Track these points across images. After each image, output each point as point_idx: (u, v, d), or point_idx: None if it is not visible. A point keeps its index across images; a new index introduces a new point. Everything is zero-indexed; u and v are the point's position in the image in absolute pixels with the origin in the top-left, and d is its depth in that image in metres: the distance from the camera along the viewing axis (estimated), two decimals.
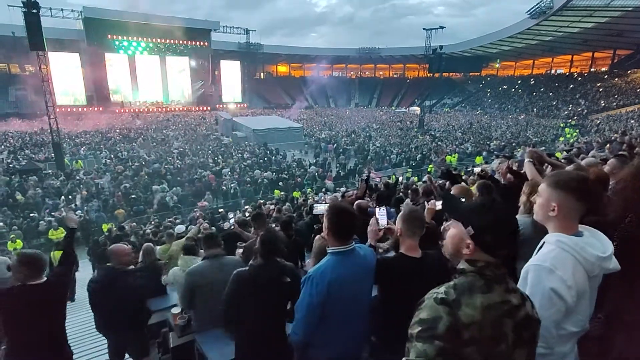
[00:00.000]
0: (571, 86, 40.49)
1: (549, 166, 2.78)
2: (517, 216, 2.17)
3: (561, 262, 1.28)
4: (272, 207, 9.01)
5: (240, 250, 4.24)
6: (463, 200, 2.84)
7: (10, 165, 18.12)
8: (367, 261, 1.94)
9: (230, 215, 9.98)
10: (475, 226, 1.13)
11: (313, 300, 1.80)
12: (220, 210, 10.77)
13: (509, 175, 3.11)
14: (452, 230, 1.25)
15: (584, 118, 31.35)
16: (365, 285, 1.94)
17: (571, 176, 1.39)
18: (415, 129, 31.97)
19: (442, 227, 1.30)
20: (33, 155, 20.60)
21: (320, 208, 2.67)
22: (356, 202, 3.98)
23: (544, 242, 1.41)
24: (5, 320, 2.41)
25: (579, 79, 41.58)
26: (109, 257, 3.28)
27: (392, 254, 2.33)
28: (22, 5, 16.20)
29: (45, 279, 2.52)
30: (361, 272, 1.90)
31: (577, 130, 26.82)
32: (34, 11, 16.24)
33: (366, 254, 1.96)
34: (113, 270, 3.18)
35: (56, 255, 8.41)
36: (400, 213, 2.04)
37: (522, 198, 2.20)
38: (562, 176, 1.41)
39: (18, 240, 10.24)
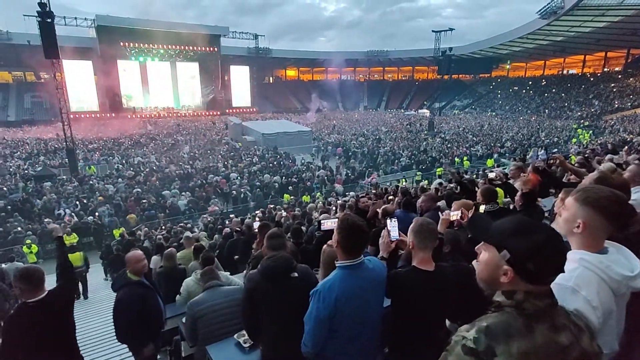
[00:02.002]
0: (584, 87, 39.86)
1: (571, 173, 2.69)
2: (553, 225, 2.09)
3: (585, 282, 1.22)
4: (282, 213, 9.00)
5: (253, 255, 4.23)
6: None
7: (26, 171, 18.50)
8: (376, 274, 1.91)
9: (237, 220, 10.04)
10: (513, 251, 0.98)
11: (320, 314, 1.79)
12: (231, 215, 10.83)
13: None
14: (484, 255, 1.09)
15: (598, 119, 30.81)
16: (374, 298, 1.91)
17: (602, 194, 1.30)
18: (425, 132, 31.76)
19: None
20: (48, 162, 20.98)
21: (328, 224, 2.61)
22: (382, 207, 3.95)
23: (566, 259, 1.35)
24: (18, 343, 2.43)
25: (592, 79, 40.90)
26: (124, 263, 3.34)
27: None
28: (37, 14, 16.58)
29: (46, 293, 2.53)
30: (370, 285, 1.87)
31: (591, 132, 26.35)
32: (49, 20, 16.61)
33: (375, 267, 1.93)
34: (124, 278, 3.22)
35: (71, 259, 8.59)
36: (411, 225, 1.99)
37: (558, 204, 2.13)
38: (592, 193, 1.32)
39: (33, 245, 10.41)
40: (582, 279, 1.23)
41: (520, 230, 1.00)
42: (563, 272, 0.99)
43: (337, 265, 1.89)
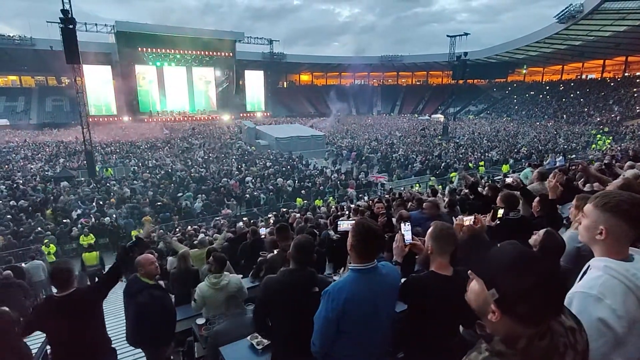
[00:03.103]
0: (603, 92, 38.95)
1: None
2: (571, 231, 2.05)
3: (610, 290, 1.18)
4: (297, 215, 9.02)
5: (260, 259, 4.25)
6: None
7: (47, 173, 19.00)
8: (389, 279, 1.91)
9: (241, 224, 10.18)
10: (502, 291, 0.86)
11: (329, 315, 1.81)
12: (244, 218, 10.93)
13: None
14: (474, 285, 0.98)
15: (618, 124, 30.04)
16: (385, 303, 1.91)
17: (621, 199, 1.26)
18: (439, 137, 31.48)
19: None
20: (67, 164, 21.51)
21: (345, 225, 2.62)
22: (399, 212, 3.94)
23: (589, 266, 1.31)
24: (46, 333, 2.53)
25: (612, 84, 39.93)
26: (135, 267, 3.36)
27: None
28: (59, 21, 17.10)
29: (74, 289, 2.59)
30: (381, 290, 1.86)
31: (611, 137, 25.71)
32: (71, 27, 17.10)
33: (388, 272, 1.93)
34: (139, 282, 3.24)
35: (86, 257, 9.04)
36: (429, 230, 1.98)
37: (573, 211, 2.09)
38: (611, 198, 1.28)
39: (52, 245, 10.64)
40: (607, 287, 1.19)
41: (513, 267, 0.87)
42: (559, 315, 0.90)
43: (349, 267, 1.89)
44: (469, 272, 1.02)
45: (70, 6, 16.95)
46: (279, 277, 2.25)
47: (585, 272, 1.32)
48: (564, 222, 3.03)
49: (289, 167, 21.25)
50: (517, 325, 0.86)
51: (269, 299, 2.23)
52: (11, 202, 13.87)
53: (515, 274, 0.86)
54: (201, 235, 6.93)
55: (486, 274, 0.92)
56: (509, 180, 4.07)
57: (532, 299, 0.83)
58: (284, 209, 12.14)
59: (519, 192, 3.54)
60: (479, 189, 5.20)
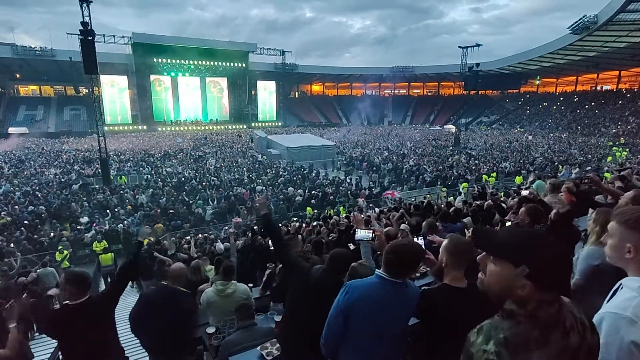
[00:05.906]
0: (619, 103, 38.27)
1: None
2: (591, 246, 2.01)
3: None
4: (296, 224, 9.01)
5: (268, 271, 4.23)
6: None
7: (63, 180, 19.38)
8: (408, 293, 1.90)
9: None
10: (532, 266, 0.98)
11: (339, 306, 1.85)
12: (254, 227, 10.95)
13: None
14: (494, 268, 1.08)
15: (635, 136, 29.44)
16: (399, 315, 1.89)
17: None
18: (451, 148, 31.25)
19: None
20: (82, 171, 21.92)
21: (362, 234, 2.60)
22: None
23: (621, 285, 1.25)
24: (59, 340, 2.57)
25: (628, 95, 39.23)
26: (160, 274, 3.37)
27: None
28: (79, 33, 17.62)
29: (88, 296, 2.61)
30: (398, 301, 1.85)
31: (627, 149, 25.18)
32: (90, 38, 17.59)
33: (409, 289, 1.93)
34: (166, 289, 3.18)
35: (103, 258, 9.66)
36: (445, 244, 1.95)
37: (591, 225, 2.03)
38: (630, 214, 1.26)
39: (65, 251, 10.78)
40: None
41: (534, 246, 1.02)
42: (569, 279, 1.02)
43: (376, 272, 1.91)
44: (480, 258, 1.15)
45: (90, 19, 17.48)
46: (310, 269, 2.39)
47: (615, 291, 1.26)
48: (583, 236, 2.95)
49: (299, 176, 21.29)
50: (541, 292, 0.99)
51: (293, 277, 2.45)
52: (28, 208, 14.16)
53: (538, 250, 1.00)
54: (218, 244, 6.92)
55: (511, 255, 1.04)
56: (525, 192, 3.99)
57: (555, 267, 0.99)
58: (294, 219, 12.14)
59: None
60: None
